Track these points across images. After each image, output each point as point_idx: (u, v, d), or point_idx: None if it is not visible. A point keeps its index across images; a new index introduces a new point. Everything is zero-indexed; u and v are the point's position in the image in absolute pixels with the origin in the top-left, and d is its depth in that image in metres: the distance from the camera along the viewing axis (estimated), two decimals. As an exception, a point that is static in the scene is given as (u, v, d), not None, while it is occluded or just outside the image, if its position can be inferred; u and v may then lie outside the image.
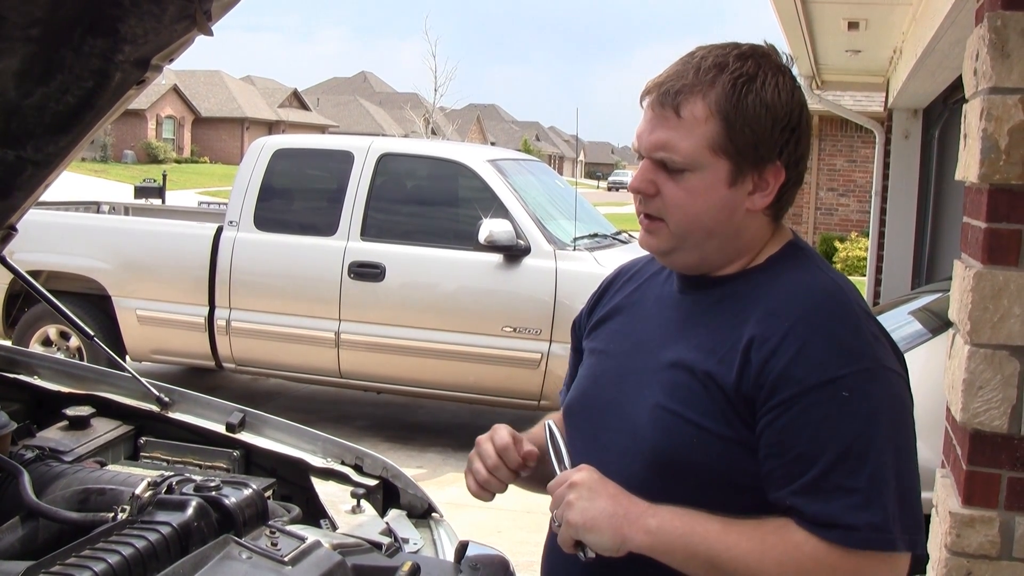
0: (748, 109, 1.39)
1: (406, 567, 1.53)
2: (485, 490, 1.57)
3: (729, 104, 1.39)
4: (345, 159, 6.74)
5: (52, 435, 2.01)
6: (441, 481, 5.88)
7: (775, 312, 1.39)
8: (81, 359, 6.56)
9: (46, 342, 6.90)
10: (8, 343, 6.66)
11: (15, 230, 2.20)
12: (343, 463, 2.19)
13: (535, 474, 1.61)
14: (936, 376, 2.65)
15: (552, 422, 1.52)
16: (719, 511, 1.35)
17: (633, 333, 1.55)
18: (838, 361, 1.34)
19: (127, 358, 6.90)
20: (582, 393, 1.59)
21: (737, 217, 1.44)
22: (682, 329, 1.48)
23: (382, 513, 2.07)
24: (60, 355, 6.65)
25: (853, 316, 1.39)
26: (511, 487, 1.61)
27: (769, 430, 1.35)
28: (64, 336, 6.90)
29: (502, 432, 1.57)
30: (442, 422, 7.18)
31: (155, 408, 2.27)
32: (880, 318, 4.94)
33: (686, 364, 1.42)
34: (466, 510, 5.10)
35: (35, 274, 6.74)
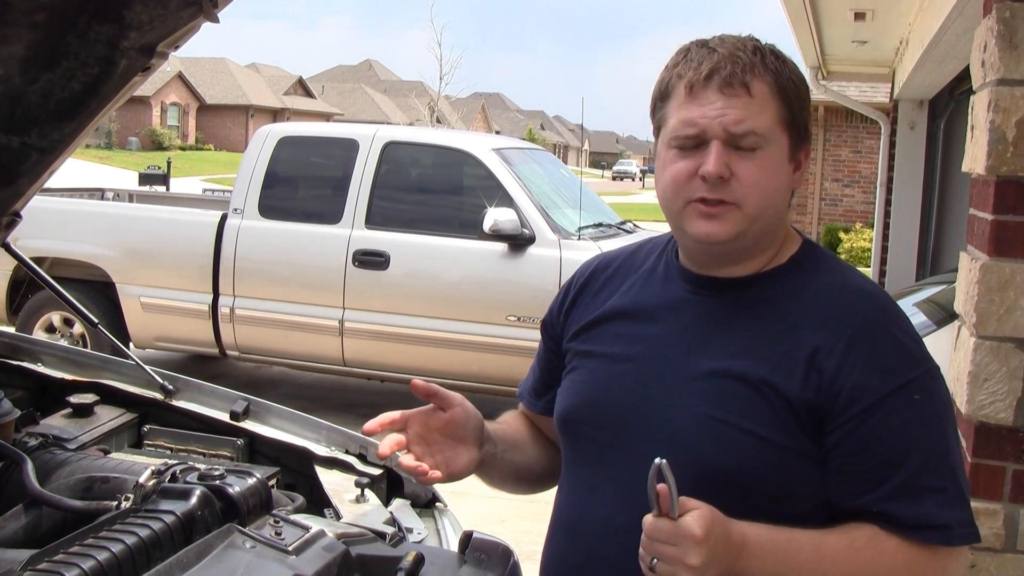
0: (796, 85, 1.44)
1: (410, 557, 1.53)
2: (426, 476, 1.46)
3: (783, 82, 1.42)
4: (350, 147, 6.74)
5: (56, 422, 2.01)
6: (444, 470, 5.88)
7: (833, 319, 1.39)
8: (85, 346, 6.57)
9: (50, 329, 6.91)
10: (12, 330, 6.67)
11: (19, 217, 2.19)
12: (347, 452, 2.19)
13: (507, 466, 1.59)
14: (941, 368, 2.64)
15: (661, 461, 1.27)
16: (772, 520, 1.34)
17: (644, 337, 1.50)
18: (906, 365, 1.36)
19: (131, 345, 6.91)
20: (589, 400, 1.51)
21: (787, 198, 1.47)
22: (714, 335, 1.44)
23: (386, 502, 2.06)
24: (64, 342, 6.66)
25: (904, 318, 1.43)
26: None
27: (850, 440, 1.35)
28: (68, 323, 6.91)
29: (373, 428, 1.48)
30: (445, 411, 7.17)
31: (159, 396, 2.27)
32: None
33: (734, 373, 1.39)
34: (469, 499, 5.11)
35: (39, 261, 6.73)
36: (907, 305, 4.61)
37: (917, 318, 4.22)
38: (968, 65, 2.45)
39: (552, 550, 1.54)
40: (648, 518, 1.28)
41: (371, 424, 1.47)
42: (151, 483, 1.46)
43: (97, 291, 6.84)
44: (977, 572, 2.18)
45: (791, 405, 1.36)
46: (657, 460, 1.25)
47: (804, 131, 1.46)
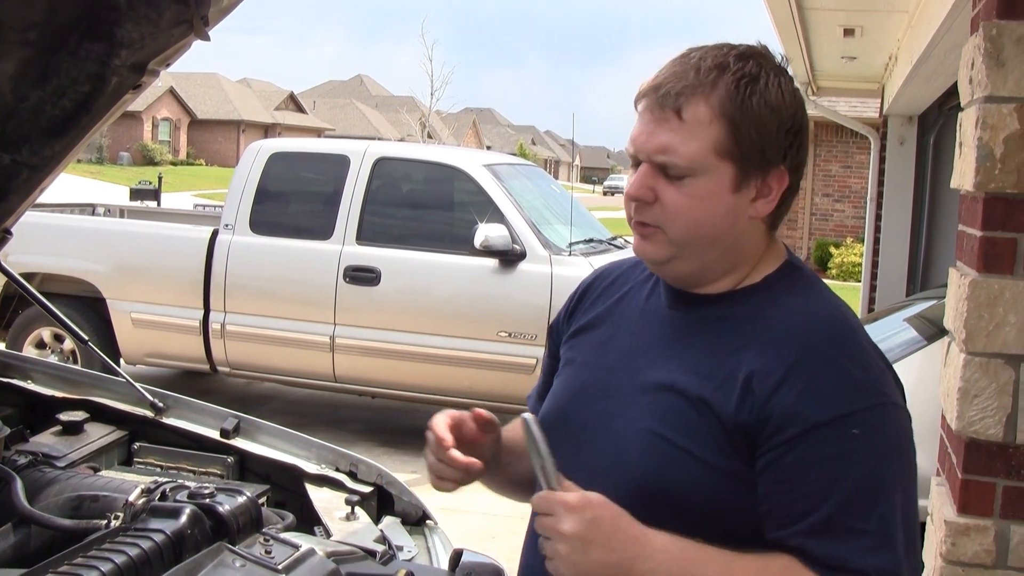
0: (753, 110, 1.34)
1: (400, 575, 1.53)
2: (443, 479, 1.50)
3: (734, 105, 1.33)
4: (341, 163, 6.74)
5: (45, 440, 2.01)
6: (435, 486, 5.86)
7: (779, 341, 1.33)
8: (75, 362, 6.54)
9: (40, 345, 6.88)
10: (1, 346, 6.65)
11: (10, 233, 2.19)
12: (337, 469, 2.18)
13: (508, 475, 1.56)
14: (931, 383, 2.65)
15: (529, 416, 1.37)
16: (706, 542, 1.30)
17: (617, 347, 1.49)
18: (848, 397, 1.29)
19: (121, 361, 6.88)
20: (559, 407, 1.52)
21: (739, 225, 1.39)
22: (672, 349, 1.42)
23: (376, 520, 2.06)
24: (54, 358, 6.63)
25: (860, 348, 1.35)
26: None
27: (774, 467, 1.29)
28: (58, 339, 6.88)
29: (437, 418, 1.49)
30: (437, 426, 7.16)
31: (149, 413, 2.26)
32: (875, 325, 4.94)
33: (678, 387, 1.37)
34: (460, 515, 5.09)
35: (29, 276, 6.71)
36: (897, 320, 4.63)
37: (907, 334, 4.23)
38: (957, 81, 2.46)
39: (521, 557, 1.55)
40: (536, 495, 1.30)
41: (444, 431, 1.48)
42: (141, 501, 1.46)
43: (87, 307, 6.82)
44: (968, 588, 2.18)
45: (724, 426, 1.32)
46: (524, 416, 1.32)
47: (761, 158, 1.36)
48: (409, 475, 5.98)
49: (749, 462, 1.32)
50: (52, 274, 6.84)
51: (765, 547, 1.31)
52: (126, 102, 2.05)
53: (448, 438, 1.46)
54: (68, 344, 6.83)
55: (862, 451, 1.27)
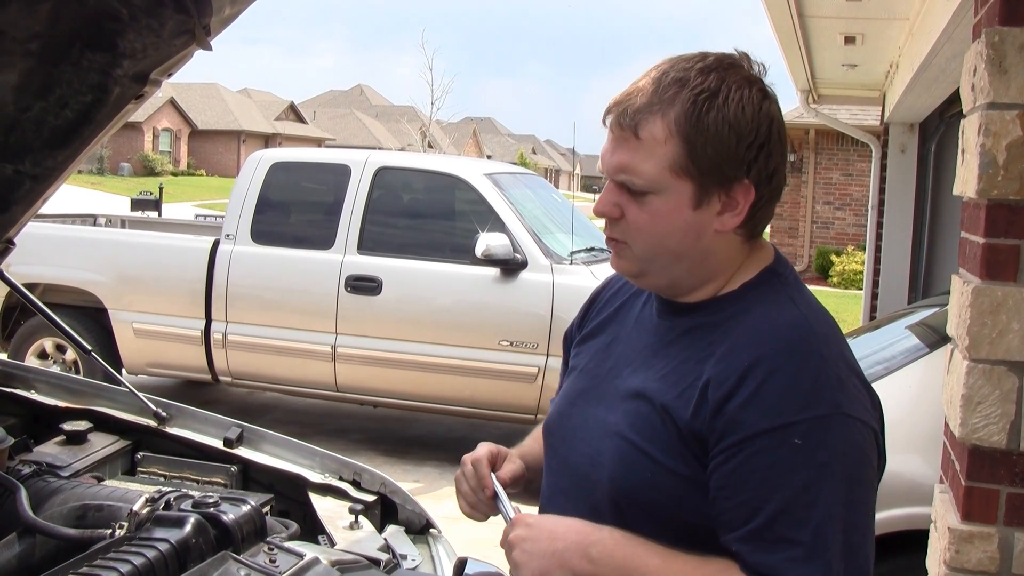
0: (709, 127, 1.32)
1: (405, 584, 1.52)
2: (477, 510, 1.57)
3: (689, 123, 1.33)
4: (342, 172, 6.75)
5: (49, 450, 2.00)
6: (438, 495, 5.86)
7: (735, 350, 1.34)
8: (77, 372, 6.55)
9: (42, 355, 6.88)
10: (4, 356, 6.64)
11: (13, 244, 2.20)
12: (341, 478, 2.18)
13: (532, 488, 1.60)
14: (934, 391, 2.65)
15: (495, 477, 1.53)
16: (673, 545, 1.33)
17: (612, 355, 1.52)
18: (792, 406, 1.28)
19: (123, 371, 6.88)
20: (559, 412, 1.55)
21: (705, 239, 1.39)
22: (651, 357, 1.44)
23: (380, 529, 2.06)
24: (56, 368, 6.64)
25: (815, 357, 1.33)
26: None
27: (718, 473, 1.31)
28: (60, 349, 6.89)
29: (479, 452, 1.57)
30: (439, 436, 7.16)
31: (152, 423, 2.26)
32: (877, 333, 4.91)
33: (647, 394, 1.39)
34: (463, 524, 5.07)
35: (32, 287, 6.72)
36: (899, 328, 4.62)
37: (909, 341, 4.22)
38: (958, 88, 2.47)
39: None
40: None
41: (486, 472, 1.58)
42: (145, 511, 1.46)
43: (89, 317, 6.82)
44: (973, 595, 2.18)
45: (681, 432, 1.34)
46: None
47: (721, 174, 1.34)
48: (412, 484, 5.98)
49: (705, 467, 1.34)
50: (54, 284, 6.84)
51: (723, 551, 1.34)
52: (128, 112, 2.05)
53: (489, 486, 1.55)
54: (70, 354, 6.83)
55: (801, 462, 1.27)
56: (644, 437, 1.37)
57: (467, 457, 1.58)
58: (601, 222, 1.46)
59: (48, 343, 6.89)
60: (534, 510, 1.54)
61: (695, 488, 1.34)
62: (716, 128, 1.32)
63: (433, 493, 5.89)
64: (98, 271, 6.84)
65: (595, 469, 1.42)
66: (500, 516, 1.50)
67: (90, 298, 6.83)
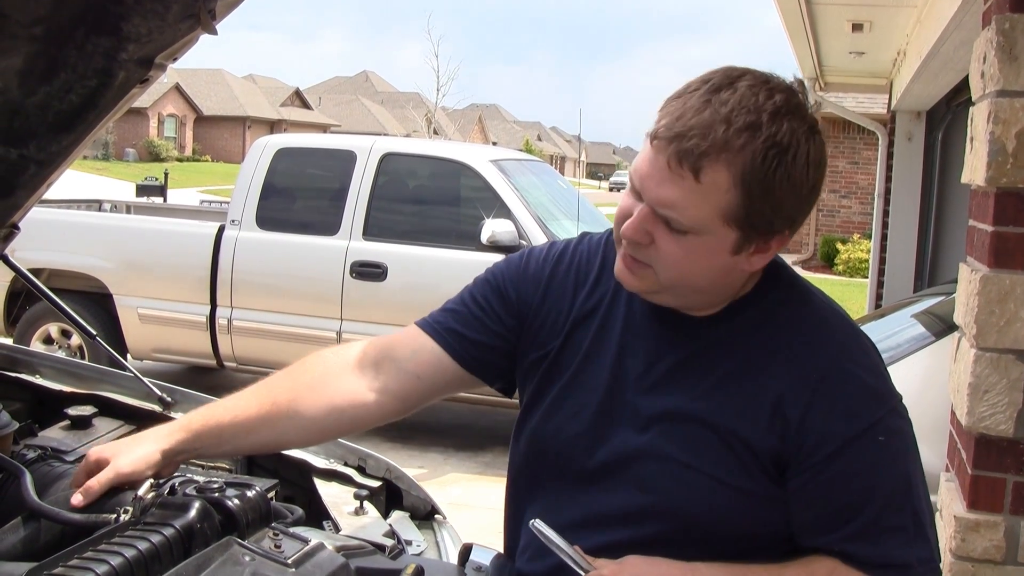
0: (774, 185, 1.27)
1: (409, 570, 1.52)
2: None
3: (755, 178, 1.26)
4: (347, 158, 6.74)
5: (54, 435, 2.00)
6: (443, 481, 5.87)
7: (798, 363, 1.35)
8: (82, 357, 6.56)
9: (47, 340, 6.89)
10: (9, 341, 6.66)
11: (17, 229, 2.19)
12: (346, 464, 2.18)
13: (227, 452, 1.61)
14: (940, 379, 2.64)
15: (536, 523, 1.39)
16: (732, 557, 1.35)
17: (610, 364, 1.45)
18: (870, 407, 1.34)
19: (128, 356, 6.89)
20: (557, 428, 1.47)
21: (731, 277, 1.38)
22: (677, 373, 1.40)
23: (385, 515, 2.06)
24: (61, 353, 6.64)
25: (865, 350, 1.39)
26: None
27: (812, 485, 1.33)
28: (65, 334, 6.89)
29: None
30: (444, 422, 7.17)
31: (157, 408, 2.26)
32: (882, 321, 4.93)
33: (692, 414, 1.37)
34: (468, 510, 5.09)
35: (37, 272, 6.72)
36: (905, 316, 4.61)
37: (915, 330, 4.22)
38: (966, 76, 2.45)
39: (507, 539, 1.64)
40: None
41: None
42: (150, 496, 1.45)
43: (95, 303, 6.83)
44: (979, 584, 2.17)
45: (754, 452, 1.34)
46: (532, 524, 1.38)
47: (769, 227, 1.32)
48: (416, 470, 5.99)
49: (779, 482, 1.35)
50: (59, 270, 6.84)
51: (792, 552, 1.37)
52: (133, 97, 2.04)
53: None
54: (75, 340, 6.83)
55: (889, 455, 1.34)
56: (699, 458, 1.36)
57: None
58: (609, 210, 1.43)
59: (53, 328, 6.90)
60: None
61: (762, 502, 1.36)
62: (780, 187, 1.28)
63: (438, 479, 5.90)
64: (103, 257, 6.84)
65: (644, 498, 1.39)
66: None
67: (95, 283, 6.83)
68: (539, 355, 1.52)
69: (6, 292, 6.86)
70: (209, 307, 6.69)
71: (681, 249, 1.32)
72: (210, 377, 7.71)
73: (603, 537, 1.40)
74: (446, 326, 1.57)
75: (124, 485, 1.51)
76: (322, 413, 1.54)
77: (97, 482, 1.50)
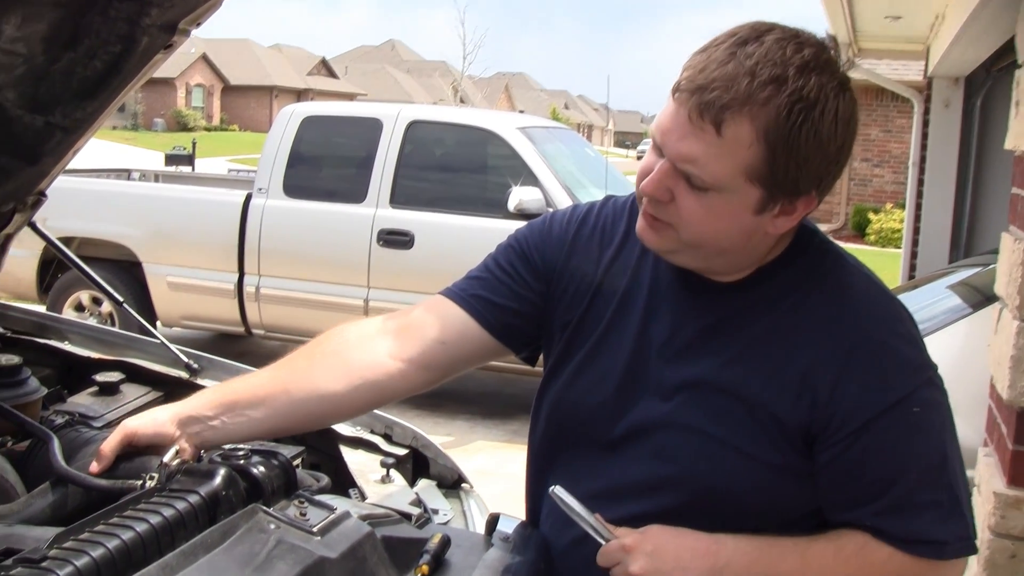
0: (800, 142, 1.22)
1: (436, 539, 1.50)
2: None
3: (779, 133, 1.21)
4: (374, 126, 6.72)
5: (82, 401, 2.01)
6: (469, 449, 5.88)
7: (826, 331, 1.30)
8: (113, 324, 6.61)
9: (79, 307, 6.96)
10: (42, 308, 6.72)
11: (45, 196, 2.18)
12: (372, 432, 2.17)
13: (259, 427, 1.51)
14: (978, 352, 2.59)
15: (556, 489, 1.36)
16: (758, 530, 1.32)
17: (634, 330, 1.41)
18: (904, 378, 1.29)
19: (158, 324, 6.95)
20: (580, 396, 1.44)
21: (755, 239, 1.33)
22: (702, 340, 1.36)
23: (412, 483, 2.05)
24: (92, 320, 6.70)
25: (901, 319, 1.34)
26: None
27: (842, 458, 1.29)
28: (96, 302, 6.95)
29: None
30: (470, 390, 7.17)
31: (184, 375, 2.26)
32: (916, 292, 4.84)
33: (717, 384, 1.33)
34: (494, 478, 5.10)
35: (67, 241, 6.77)
36: (940, 288, 4.54)
37: (951, 301, 4.15)
38: (1010, 39, 2.37)
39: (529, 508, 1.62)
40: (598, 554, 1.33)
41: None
42: (175, 462, 1.45)
43: (124, 271, 6.88)
44: (1018, 562, 2.13)
45: (782, 424, 1.30)
46: (553, 490, 1.34)
47: (794, 187, 1.26)
48: (443, 438, 6.01)
49: (806, 455, 1.31)
50: (89, 238, 6.89)
51: (820, 525, 1.33)
52: (157, 63, 2.02)
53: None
54: (106, 307, 6.89)
55: (923, 428, 1.28)
56: (725, 429, 1.32)
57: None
58: (635, 177, 1.39)
59: (84, 296, 6.96)
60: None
61: (789, 476, 1.32)
62: (806, 143, 1.23)
63: (464, 447, 5.92)
64: (132, 225, 6.87)
65: (665, 468, 1.35)
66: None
67: (125, 252, 6.88)
68: (563, 320, 1.48)
69: (38, 260, 6.92)
70: (237, 275, 6.72)
71: (702, 207, 1.27)
72: (239, 344, 7.75)
73: (625, 508, 1.38)
74: (471, 292, 1.54)
75: (134, 446, 1.49)
76: (343, 385, 1.50)
77: (107, 445, 1.49)
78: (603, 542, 1.34)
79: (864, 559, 1.29)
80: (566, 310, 1.48)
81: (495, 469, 5.44)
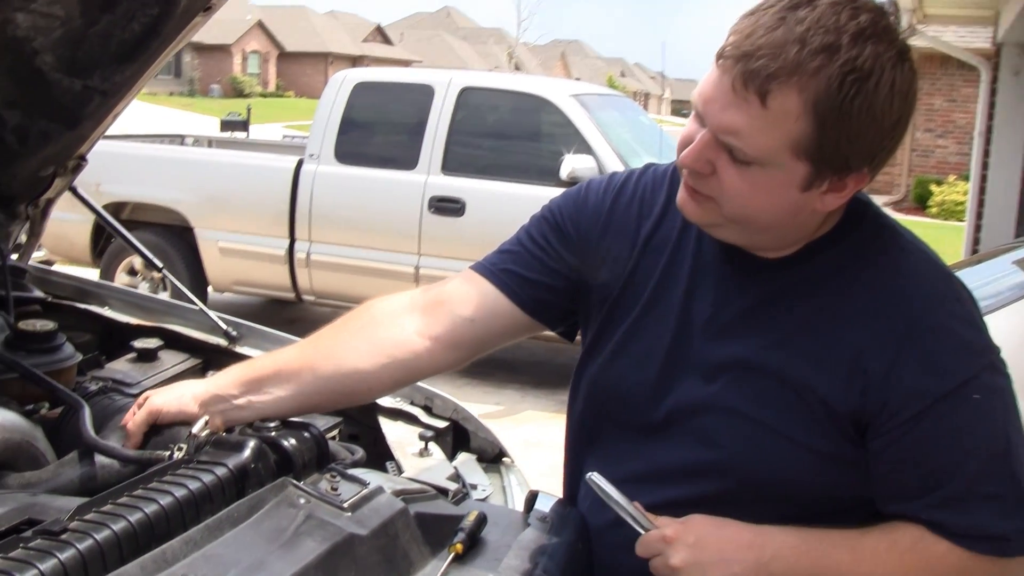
0: (851, 115, 1.14)
1: (472, 516, 1.46)
2: None
3: (830, 106, 1.13)
4: (426, 93, 6.68)
5: (120, 367, 1.99)
6: (518, 419, 5.86)
7: (880, 312, 1.22)
8: (164, 289, 6.68)
9: (131, 271, 7.03)
10: (96, 272, 6.81)
11: (85, 161, 2.17)
12: (412, 403, 2.13)
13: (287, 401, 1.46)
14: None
15: (593, 476, 1.31)
16: (806, 521, 1.25)
17: (676, 307, 1.34)
18: (965, 362, 1.20)
19: (209, 289, 7.00)
20: (620, 375, 1.38)
21: (802, 216, 1.25)
22: (747, 320, 1.29)
23: (451, 457, 2.00)
24: (145, 285, 6.78)
25: (960, 300, 1.25)
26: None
27: (897, 445, 1.21)
28: (149, 266, 7.01)
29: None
30: (520, 359, 7.13)
31: (223, 342, 2.24)
32: (979, 267, 4.69)
33: (763, 366, 1.26)
34: (542, 449, 5.05)
35: (120, 206, 6.85)
36: (1005, 263, 4.37)
37: (1017, 277, 3.99)
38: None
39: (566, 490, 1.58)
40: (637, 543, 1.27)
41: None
42: (204, 433, 1.42)
43: (177, 236, 6.94)
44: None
45: (831, 409, 1.22)
46: (589, 476, 1.29)
47: (844, 164, 1.18)
48: (492, 407, 5.99)
49: (858, 443, 1.23)
50: (142, 203, 6.95)
51: (872, 516, 1.26)
52: (196, 26, 1.99)
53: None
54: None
55: (984, 415, 1.20)
56: (770, 413, 1.25)
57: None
58: (676, 146, 1.30)
59: (137, 260, 7.02)
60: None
61: (838, 463, 1.24)
62: (858, 117, 1.15)
63: (513, 416, 5.89)
64: (185, 190, 6.92)
65: (707, 450, 1.29)
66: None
67: (177, 217, 6.93)
68: (600, 295, 1.42)
69: (92, 225, 6.99)
70: (288, 241, 6.74)
71: (744, 182, 1.20)
72: (289, 310, 7.80)
73: (664, 492, 1.32)
74: (502, 267, 1.48)
75: (160, 421, 1.48)
76: (369, 363, 1.46)
77: (134, 423, 1.48)
78: (642, 531, 1.29)
79: (920, 554, 1.22)
80: (603, 285, 1.42)
81: (543, 439, 5.41)
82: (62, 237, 6.61)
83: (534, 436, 5.47)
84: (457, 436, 2.10)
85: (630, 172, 1.49)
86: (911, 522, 1.23)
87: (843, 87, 1.13)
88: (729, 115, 1.17)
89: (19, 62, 1.86)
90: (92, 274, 6.73)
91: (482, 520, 1.45)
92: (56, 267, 6.79)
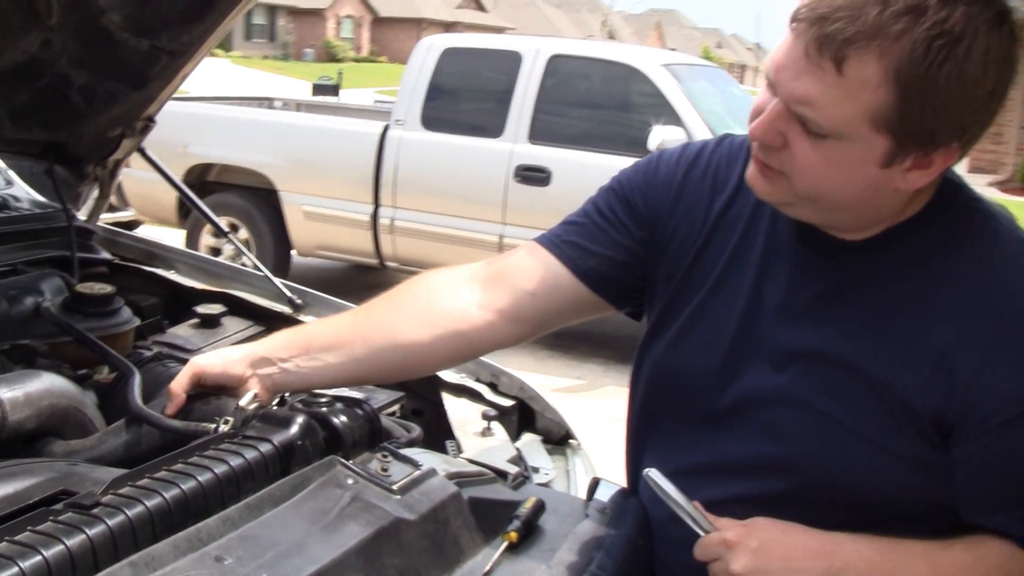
0: (939, 85, 1.03)
1: (529, 503, 1.38)
2: None
3: (914, 74, 1.03)
4: (514, 60, 6.57)
5: (182, 332, 1.97)
6: (600, 393, 5.76)
7: (969, 305, 1.11)
8: (250, 250, 6.73)
9: (217, 234, 7.10)
10: (183, 233, 6.92)
11: (153, 122, 2.15)
12: (478, 380, 2.06)
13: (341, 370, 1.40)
14: None
15: (652, 472, 1.22)
16: (877, 528, 1.14)
17: (747, 289, 1.25)
18: None
19: (293, 252, 7.05)
20: (684, 360, 1.30)
21: (883, 195, 1.13)
22: (821, 306, 1.19)
23: (515, 437, 1.93)
24: (228, 247, 6.84)
25: None
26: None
27: (986, 452, 1.10)
28: (234, 228, 7.08)
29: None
30: (606, 332, 7.01)
31: (287, 310, 2.20)
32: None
33: (843, 360, 1.16)
34: (622, 426, 4.96)
35: (207, 167, 6.92)
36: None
37: None
38: None
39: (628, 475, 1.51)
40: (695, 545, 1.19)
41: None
42: (253, 406, 1.36)
43: (262, 199, 6.98)
44: None
45: (912, 410, 1.11)
46: (647, 472, 1.21)
47: (930, 138, 1.07)
48: (574, 380, 5.91)
49: (938, 446, 1.12)
50: (229, 166, 7.01)
51: (953, 531, 1.15)
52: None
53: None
54: (243, 233, 7.01)
55: None
56: (842, 409, 1.15)
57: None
58: (748, 117, 1.19)
59: (222, 222, 7.08)
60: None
61: (912, 467, 1.13)
62: (946, 86, 1.03)
63: (595, 391, 5.80)
64: (271, 154, 6.95)
65: (774, 445, 1.20)
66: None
67: (262, 180, 6.97)
68: (668, 273, 1.33)
69: (180, 186, 7.09)
70: (372, 206, 6.72)
71: (819, 156, 1.10)
72: (372, 276, 7.82)
73: (724, 488, 1.23)
74: (566, 239, 1.39)
75: (203, 385, 1.43)
76: (425, 335, 1.39)
77: (177, 383, 1.43)
78: (702, 533, 1.19)
79: (1009, 573, 1.11)
80: (671, 262, 1.33)
81: (624, 416, 5.32)
82: (150, 198, 6.70)
83: (615, 412, 5.35)
84: (523, 416, 2.02)
85: (704, 143, 1.39)
86: (999, 537, 1.12)
87: (929, 53, 1.02)
88: (802, 83, 1.07)
89: (86, 21, 1.83)
90: (179, 235, 6.84)
91: (540, 507, 1.37)
92: (143, 228, 6.90)
